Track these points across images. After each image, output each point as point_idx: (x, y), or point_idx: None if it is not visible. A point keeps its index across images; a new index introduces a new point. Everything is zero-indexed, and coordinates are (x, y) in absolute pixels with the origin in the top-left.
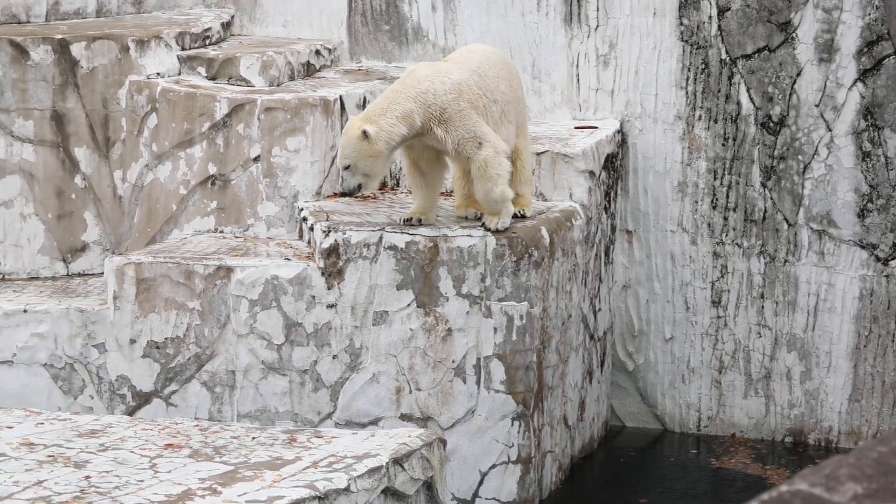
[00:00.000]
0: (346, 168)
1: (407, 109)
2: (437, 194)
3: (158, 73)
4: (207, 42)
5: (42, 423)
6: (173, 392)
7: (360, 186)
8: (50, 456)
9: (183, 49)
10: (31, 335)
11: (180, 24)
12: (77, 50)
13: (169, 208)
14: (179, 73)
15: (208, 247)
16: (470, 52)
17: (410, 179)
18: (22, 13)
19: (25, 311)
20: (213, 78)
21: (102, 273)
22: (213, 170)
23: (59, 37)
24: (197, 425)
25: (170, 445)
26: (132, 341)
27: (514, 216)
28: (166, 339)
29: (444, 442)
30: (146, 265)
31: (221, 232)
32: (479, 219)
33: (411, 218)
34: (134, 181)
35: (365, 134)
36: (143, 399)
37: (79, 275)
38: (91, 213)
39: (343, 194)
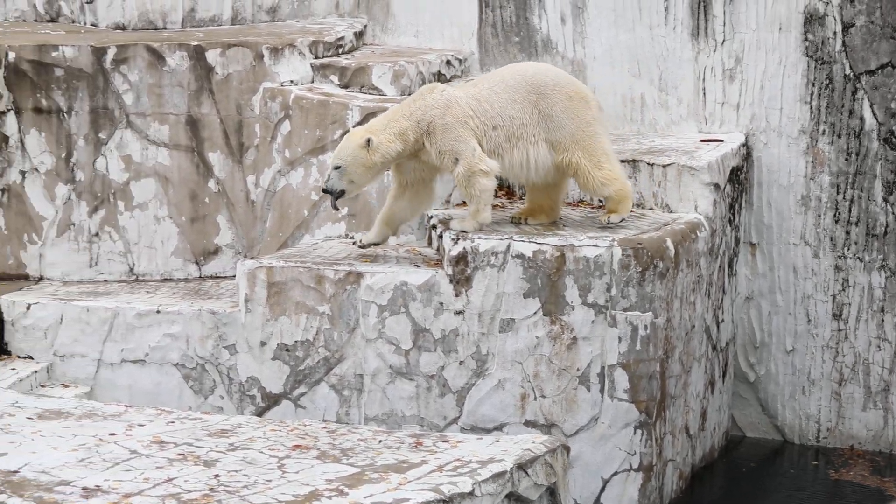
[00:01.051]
0: (337, 168)
1: (402, 127)
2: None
3: (292, 81)
4: (340, 51)
5: (173, 422)
6: (302, 394)
7: (343, 192)
8: (180, 454)
9: (316, 57)
10: (163, 335)
11: (314, 33)
12: (212, 56)
13: (300, 213)
14: (312, 81)
15: (339, 252)
16: (494, 73)
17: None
18: (159, 20)
19: (158, 311)
20: (345, 86)
21: (234, 276)
22: None
23: (195, 43)
24: (325, 427)
25: (298, 446)
26: (262, 343)
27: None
28: (296, 341)
29: (567, 449)
30: (277, 269)
31: (352, 238)
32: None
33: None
34: (266, 186)
35: (368, 143)
36: (272, 400)
37: (211, 277)
38: (224, 217)
39: (324, 191)
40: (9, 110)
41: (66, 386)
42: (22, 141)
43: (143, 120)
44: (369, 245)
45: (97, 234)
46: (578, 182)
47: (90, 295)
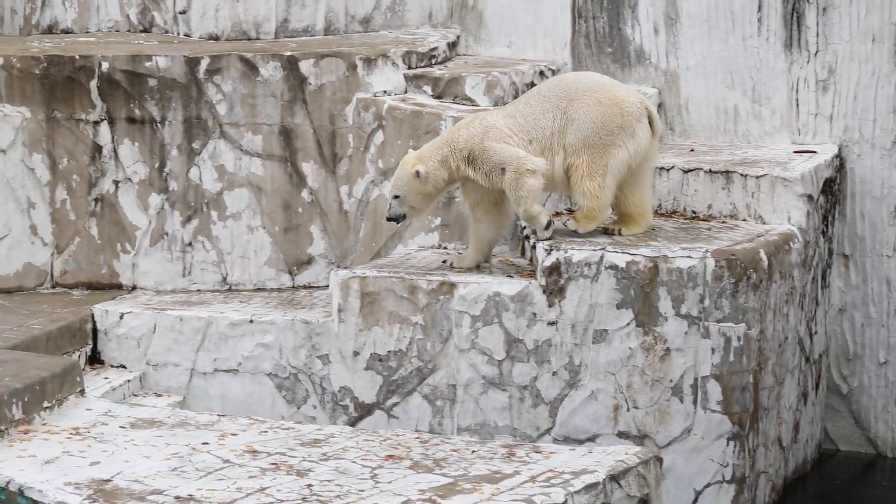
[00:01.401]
0: (396, 198)
1: (444, 155)
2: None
3: (385, 91)
4: (433, 61)
5: (266, 432)
6: (395, 404)
7: (404, 216)
8: (273, 464)
9: (409, 68)
10: (256, 345)
11: (407, 44)
12: (305, 67)
13: (393, 224)
14: (406, 92)
15: (432, 262)
16: (535, 87)
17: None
18: (252, 30)
19: (251, 321)
20: (438, 97)
21: (327, 286)
22: None
23: (288, 54)
24: (418, 437)
25: (391, 456)
26: (356, 353)
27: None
28: (389, 352)
29: (660, 460)
30: (371, 279)
31: (445, 248)
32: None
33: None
34: (360, 196)
35: (418, 173)
36: (365, 410)
37: (304, 287)
38: (317, 227)
39: (388, 219)
40: (102, 120)
41: (159, 395)
42: (115, 151)
43: (237, 130)
44: (462, 270)
45: (190, 244)
46: (569, 181)
47: (183, 304)
